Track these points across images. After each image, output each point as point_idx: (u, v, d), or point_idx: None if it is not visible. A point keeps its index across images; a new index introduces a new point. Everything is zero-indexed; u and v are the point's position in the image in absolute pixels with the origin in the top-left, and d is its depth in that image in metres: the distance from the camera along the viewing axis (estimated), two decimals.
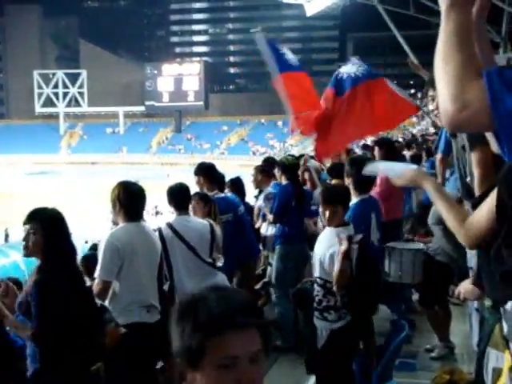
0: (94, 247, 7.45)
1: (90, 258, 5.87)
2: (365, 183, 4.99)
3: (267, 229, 7.08)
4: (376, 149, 6.88)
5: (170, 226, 4.94)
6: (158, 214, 32.96)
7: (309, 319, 4.37)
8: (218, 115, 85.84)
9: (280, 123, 77.42)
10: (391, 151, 6.84)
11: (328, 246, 4.18)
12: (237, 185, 7.21)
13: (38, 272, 3.31)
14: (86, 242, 26.09)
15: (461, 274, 4.48)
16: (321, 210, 4.40)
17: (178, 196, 5.01)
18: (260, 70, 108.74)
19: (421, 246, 5.42)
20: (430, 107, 3.33)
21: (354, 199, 4.90)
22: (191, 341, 1.27)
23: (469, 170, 3.01)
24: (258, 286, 7.42)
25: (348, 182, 5.02)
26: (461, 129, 1.39)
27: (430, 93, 3.48)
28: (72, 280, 3.37)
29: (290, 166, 6.67)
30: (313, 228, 6.34)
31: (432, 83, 2.85)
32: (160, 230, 4.91)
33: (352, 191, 4.89)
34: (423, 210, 7.34)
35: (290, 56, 5.94)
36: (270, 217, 6.50)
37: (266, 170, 7.19)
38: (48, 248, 3.31)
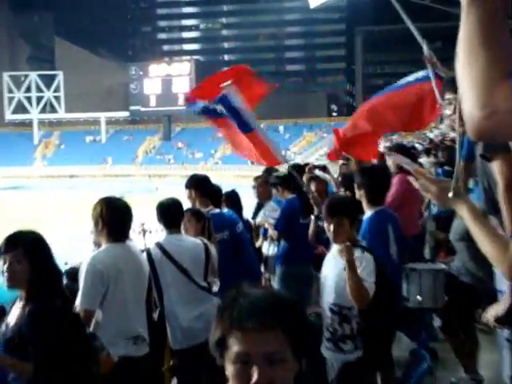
0: (71, 273, 7.44)
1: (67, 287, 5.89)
2: (378, 194, 5.02)
3: (269, 248, 7.09)
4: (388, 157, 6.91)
5: (159, 246, 4.94)
6: (146, 233, 32.96)
7: (315, 354, 4.36)
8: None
9: (281, 128, 77.76)
10: (408, 157, 6.83)
11: (341, 267, 4.17)
12: (233, 199, 7.22)
13: (26, 302, 3.28)
14: (66, 264, 26.11)
15: (489, 297, 4.47)
16: (325, 224, 4.40)
17: (169, 213, 5.01)
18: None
19: (442, 266, 5.42)
20: (447, 111, 3.31)
21: (368, 212, 4.93)
22: (216, 333, 1.52)
23: (492, 180, 3.02)
24: None
25: (360, 193, 5.04)
26: (488, 137, 1.36)
27: (447, 95, 3.48)
28: (62, 307, 3.36)
29: (288, 176, 6.69)
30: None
31: (451, 83, 2.85)
32: (148, 251, 4.91)
33: (365, 204, 4.93)
34: (436, 223, 7.38)
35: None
36: (274, 233, 6.51)
37: (267, 181, 7.25)
38: (34, 276, 3.27)
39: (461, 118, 1.66)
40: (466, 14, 1.29)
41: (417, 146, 20.75)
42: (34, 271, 3.27)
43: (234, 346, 1.48)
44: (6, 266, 3.28)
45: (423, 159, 9.92)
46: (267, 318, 1.47)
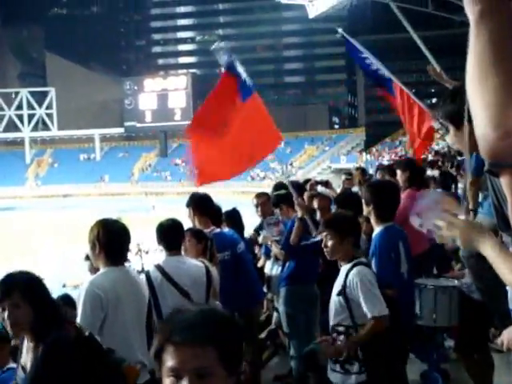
0: (65, 300, 7.43)
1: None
2: (387, 210, 5.04)
3: (272, 268, 7.07)
4: (398, 172, 6.94)
5: (159, 268, 4.95)
6: (142, 253, 32.89)
7: (321, 380, 4.39)
8: None
9: (282, 142, 77.71)
10: (418, 174, 6.91)
11: (338, 284, 4.24)
12: (234, 218, 7.23)
13: (37, 343, 3.21)
14: (64, 286, 26.10)
15: (501, 316, 4.46)
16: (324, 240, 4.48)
17: (170, 234, 5.02)
18: (256, 81, 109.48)
19: (455, 282, 5.42)
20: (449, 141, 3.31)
21: (377, 229, 4.97)
22: (154, 346, 1.66)
23: (501, 195, 3.02)
24: (262, 336, 7.40)
25: (368, 210, 5.05)
26: (503, 157, 1.36)
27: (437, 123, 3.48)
28: (75, 336, 3.31)
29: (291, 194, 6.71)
30: None
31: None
32: (148, 274, 4.92)
33: (373, 220, 4.98)
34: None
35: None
36: (278, 253, 6.50)
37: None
38: (37, 316, 3.21)
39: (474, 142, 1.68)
40: (475, 33, 1.28)
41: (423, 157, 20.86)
42: (36, 312, 3.21)
43: (167, 360, 1.60)
44: (6, 314, 3.20)
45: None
46: (197, 334, 1.58)
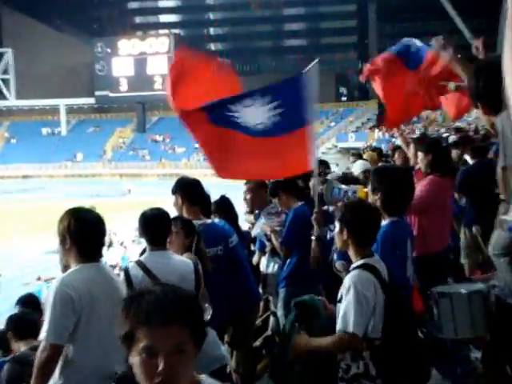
0: (29, 300, 7.48)
1: (19, 318, 5.98)
2: (397, 200, 5.04)
3: (268, 264, 7.10)
4: (419, 155, 6.96)
5: (140, 264, 4.97)
6: (115, 246, 32.80)
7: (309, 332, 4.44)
8: None
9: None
10: (442, 157, 6.94)
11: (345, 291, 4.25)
12: (224, 207, 7.24)
13: None
14: (39, 279, 26.17)
15: None
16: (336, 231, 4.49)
17: (154, 226, 5.04)
18: (251, 44, 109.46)
19: (480, 286, 5.44)
20: (473, 115, 3.32)
21: (383, 222, 4.96)
22: (124, 328, 2.03)
23: None
24: (257, 343, 7.44)
25: (374, 199, 5.07)
26: None
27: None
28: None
29: (291, 180, 6.72)
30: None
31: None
32: (127, 271, 4.96)
33: (380, 210, 4.94)
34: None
35: None
36: (278, 246, 6.53)
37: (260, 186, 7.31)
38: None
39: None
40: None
41: (445, 135, 20.82)
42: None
43: (142, 340, 1.99)
44: None
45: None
46: (170, 315, 2.00)
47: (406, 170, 5.83)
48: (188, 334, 2.03)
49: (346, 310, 4.09)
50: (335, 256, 5.40)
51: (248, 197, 7.44)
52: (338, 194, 6.12)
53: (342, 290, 4.19)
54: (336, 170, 21.08)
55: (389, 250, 4.77)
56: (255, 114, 6.03)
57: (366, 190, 6.16)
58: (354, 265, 4.30)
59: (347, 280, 4.17)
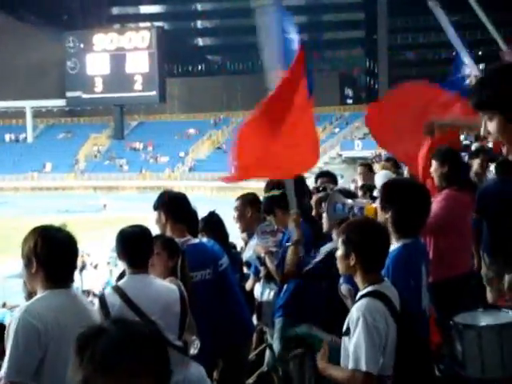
0: None
1: None
2: (413, 220, 5.00)
3: (263, 291, 7.09)
4: (434, 165, 6.95)
5: (118, 290, 4.95)
6: (88, 268, 32.73)
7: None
8: (181, 112, 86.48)
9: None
10: (460, 169, 6.94)
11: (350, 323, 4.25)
12: (213, 225, 7.24)
13: None
14: (4, 306, 26.11)
15: None
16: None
17: (135, 246, 5.02)
18: (244, 40, 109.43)
19: (510, 315, 5.43)
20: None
21: (394, 244, 4.92)
22: (77, 376, 1.99)
23: None
24: (251, 381, 7.44)
25: (384, 217, 5.00)
26: None
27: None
28: None
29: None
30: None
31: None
32: (102, 299, 4.93)
33: (391, 232, 4.87)
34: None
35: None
36: (274, 270, 6.52)
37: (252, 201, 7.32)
38: None
39: None
40: None
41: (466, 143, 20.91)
42: None
43: None
44: None
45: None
46: (131, 361, 1.96)
47: (422, 184, 5.77)
48: (153, 380, 2.00)
49: (356, 346, 4.08)
50: (341, 279, 5.38)
51: (235, 215, 7.44)
52: (342, 210, 6.09)
53: (350, 322, 4.17)
54: (341, 182, 21.04)
55: (401, 277, 4.70)
56: None
57: (374, 205, 6.15)
58: (361, 292, 4.28)
59: (355, 311, 4.14)
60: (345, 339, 4.22)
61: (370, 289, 4.24)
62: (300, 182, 7.45)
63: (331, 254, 5.86)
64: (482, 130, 2.89)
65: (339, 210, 6.09)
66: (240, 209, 7.39)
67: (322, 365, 4.33)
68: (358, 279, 4.35)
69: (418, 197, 5.01)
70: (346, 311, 4.43)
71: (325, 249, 6.12)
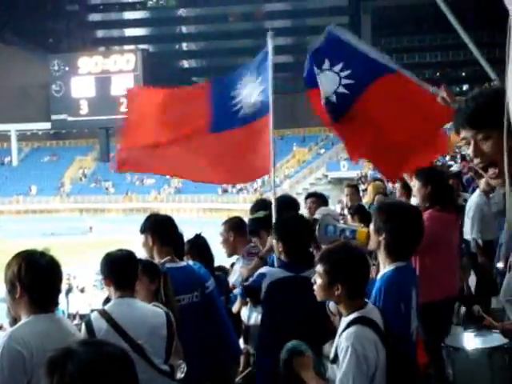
0: None
1: None
2: (406, 244, 4.97)
3: (250, 315, 7.09)
4: (417, 185, 7.00)
5: (104, 314, 4.95)
6: (75, 291, 32.56)
7: None
8: None
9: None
10: (443, 189, 6.97)
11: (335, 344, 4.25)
12: (198, 248, 7.25)
13: None
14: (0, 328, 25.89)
15: None
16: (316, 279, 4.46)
17: (121, 269, 5.04)
18: (229, 62, 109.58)
19: (501, 339, 5.43)
20: (468, 152, 3.30)
21: (386, 268, 4.91)
22: None
23: None
24: None
25: (378, 240, 4.98)
26: None
27: (463, 134, 3.40)
28: None
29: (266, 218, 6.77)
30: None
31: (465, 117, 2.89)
32: (88, 322, 4.92)
33: (383, 256, 4.91)
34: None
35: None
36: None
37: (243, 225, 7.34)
38: None
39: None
40: None
41: (451, 163, 20.95)
42: None
43: None
44: None
45: None
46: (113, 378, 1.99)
47: (416, 207, 5.76)
48: None
49: (344, 375, 4.07)
50: None
51: (220, 240, 7.46)
52: (334, 233, 6.09)
53: (338, 350, 4.15)
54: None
55: (393, 300, 4.69)
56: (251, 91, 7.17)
57: (365, 229, 6.15)
58: (346, 319, 4.25)
59: (344, 340, 4.11)
60: (333, 367, 4.21)
61: (355, 315, 4.21)
62: (290, 203, 7.49)
63: (259, 278, 5.98)
64: (472, 151, 2.80)
65: (330, 232, 6.09)
66: (223, 234, 7.38)
67: (308, 375, 4.31)
68: (341, 306, 4.32)
69: (412, 220, 4.99)
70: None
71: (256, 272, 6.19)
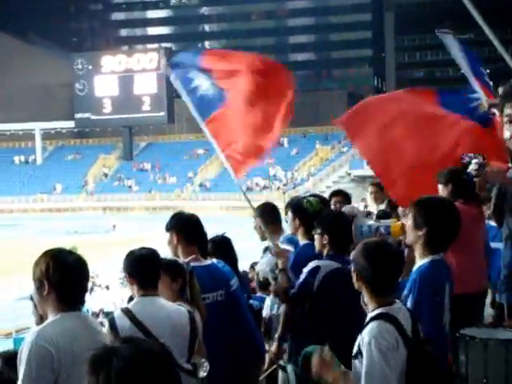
0: (8, 358, 7.33)
1: None
2: (445, 237, 5.03)
3: (272, 306, 7.10)
4: (439, 187, 7.03)
5: (128, 313, 4.95)
6: (97, 290, 32.67)
7: None
8: (190, 132, 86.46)
9: (285, 141, 78.01)
10: (462, 185, 6.96)
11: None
12: (223, 248, 7.24)
13: None
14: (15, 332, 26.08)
15: None
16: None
17: (144, 267, 5.04)
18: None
19: None
20: (507, 133, 3.28)
21: (421, 261, 4.97)
22: None
23: None
24: None
25: (416, 236, 5.01)
26: None
27: (508, 110, 3.40)
28: None
29: (316, 214, 6.75)
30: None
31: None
32: (112, 321, 4.92)
33: (420, 250, 4.98)
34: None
35: None
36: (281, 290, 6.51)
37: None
38: None
39: None
40: None
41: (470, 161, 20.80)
42: None
43: None
44: None
45: None
46: (149, 380, 2.03)
47: (452, 202, 5.77)
48: None
49: (368, 372, 4.05)
50: None
51: (254, 225, 7.53)
52: (369, 232, 6.11)
53: (360, 344, 4.14)
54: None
55: (429, 292, 4.79)
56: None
57: (399, 223, 6.16)
58: (371, 314, 4.25)
59: (366, 335, 4.11)
60: (355, 362, 4.18)
61: (379, 311, 4.20)
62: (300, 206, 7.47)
63: (312, 273, 6.09)
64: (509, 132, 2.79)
65: (366, 232, 6.13)
66: (255, 220, 7.47)
67: (330, 375, 4.26)
68: (368, 301, 4.32)
69: (452, 214, 5.10)
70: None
71: (307, 268, 6.22)
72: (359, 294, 4.82)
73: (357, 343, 4.21)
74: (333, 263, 6.09)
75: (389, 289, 4.35)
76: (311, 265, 6.12)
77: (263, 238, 7.43)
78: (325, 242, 6.15)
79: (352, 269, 4.39)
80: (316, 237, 6.30)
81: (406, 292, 4.87)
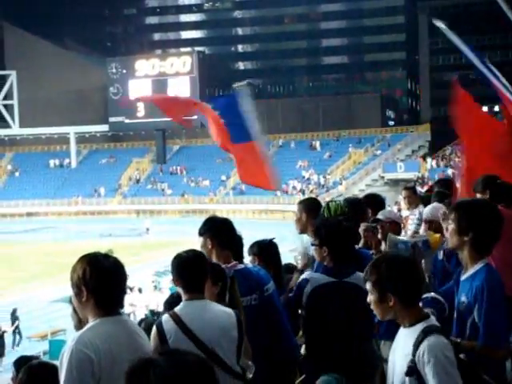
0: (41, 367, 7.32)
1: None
2: (491, 240, 4.98)
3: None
4: (478, 195, 6.98)
5: (175, 317, 4.91)
6: (129, 292, 32.75)
7: None
8: None
9: (317, 144, 77.90)
10: (500, 191, 6.91)
11: (405, 355, 4.03)
12: (269, 253, 7.21)
13: None
14: (29, 339, 26.23)
15: None
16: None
17: (191, 270, 5.01)
18: (284, 63, 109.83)
19: None
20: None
21: (476, 266, 4.89)
22: None
23: None
24: None
25: (462, 240, 4.92)
26: None
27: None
28: None
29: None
30: None
31: None
32: (159, 326, 4.89)
33: (469, 253, 4.90)
34: None
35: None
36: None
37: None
38: None
39: None
40: None
41: None
42: None
43: None
44: None
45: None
46: None
47: (494, 205, 5.69)
48: None
49: None
50: None
51: (295, 218, 7.65)
52: (406, 249, 6.04)
53: (417, 362, 3.94)
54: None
55: (499, 299, 4.73)
56: None
57: (437, 235, 6.07)
58: (412, 329, 4.05)
59: (425, 353, 3.90)
60: (409, 380, 3.97)
61: (423, 325, 4.01)
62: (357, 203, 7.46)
63: (300, 286, 6.14)
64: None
65: (402, 249, 6.06)
66: (297, 213, 7.62)
67: None
68: (400, 318, 4.13)
69: (496, 217, 5.01)
70: None
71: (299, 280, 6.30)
72: (352, 309, 4.77)
73: (404, 356, 4.04)
74: (324, 277, 6.02)
75: (417, 298, 4.20)
76: (302, 276, 6.16)
77: (302, 231, 7.46)
78: (324, 254, 6.04)
79: (370, 287, 4.12)
80: (314, 248, 6.20)
81: (464, 299, 4.80)
